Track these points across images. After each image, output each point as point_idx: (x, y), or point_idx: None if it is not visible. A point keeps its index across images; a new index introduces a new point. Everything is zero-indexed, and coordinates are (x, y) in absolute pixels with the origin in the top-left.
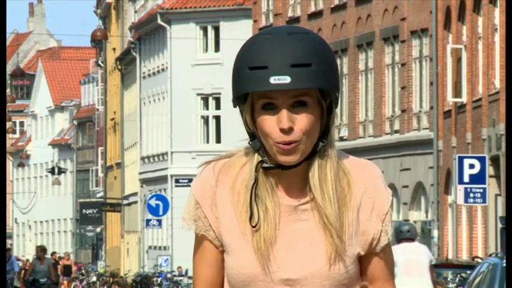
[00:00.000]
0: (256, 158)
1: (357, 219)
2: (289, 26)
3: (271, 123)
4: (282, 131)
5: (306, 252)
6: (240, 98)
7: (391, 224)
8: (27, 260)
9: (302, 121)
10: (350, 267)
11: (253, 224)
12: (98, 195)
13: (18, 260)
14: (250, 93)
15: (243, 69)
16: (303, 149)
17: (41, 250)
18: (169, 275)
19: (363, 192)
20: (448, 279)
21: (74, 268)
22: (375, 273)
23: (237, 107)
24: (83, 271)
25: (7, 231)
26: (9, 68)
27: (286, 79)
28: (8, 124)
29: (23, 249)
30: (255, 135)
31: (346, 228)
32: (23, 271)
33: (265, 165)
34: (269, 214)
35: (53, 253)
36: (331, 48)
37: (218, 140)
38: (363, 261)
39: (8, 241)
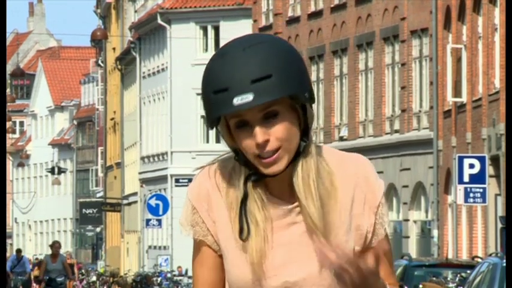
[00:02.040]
0: (243, 171)
1: (349, 216)
2: (244, 39)
3: (247, 140)
4: (258, 146)
5: (301, 254)
6: (213, 121)
7: (386, 215)
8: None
9: (277, 131)
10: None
11: (243, 238)
12: (98, 195)
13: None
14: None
15: (208, 94)
16: (286, 157)
17: (59, 246)
18: (169, 275)
19: (355, 186)
20: (448, 278)
21: (75, 268)
22: None
23: (214, 128)
24: (83, 271)
25: (7, 231)
26: (9, 67)
27: (249, 97)
28: (8, 124)
29: (22, 249)
30: (237, 151)
31: (332, 227)
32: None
33: (253, 177)
34: (259, 227)
35: None
36: (293, 50)
37: (218, 140)
38: None
39: (8, 241)
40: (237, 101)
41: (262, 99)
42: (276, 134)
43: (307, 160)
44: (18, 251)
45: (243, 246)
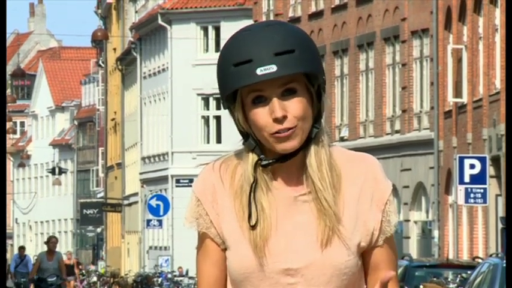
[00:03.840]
0: (252, 157)
1: (356, 211)
2: (266, 20)
3: (263, 116)
4: (276, 120)
5: (306, 242)
6: (229, 98)
7: (394, 214)
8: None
9: (294, 107)
10: (351, 257)
11: (252, 224)
12: (99, 195)
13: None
14: (239, 90)
15: (227, 68)
16: (300, 134)
17: (56, 241)
18: (169, 275)
19: (362, 184)
20: (449, 279)
21: (76, 269)
22: (378, 264)
23: (228, 108)
24: (84, 271)
25: (7, 231)
26: (10, 68)
27: (273, 68)
28: (9, 124)
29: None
30: (248, 134)
31: (341, 215)
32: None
33: (264, 162)
34: (265, 213)
35: None
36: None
37: (219, 140)
38: (366, 255)
39: (9, 241)
40: (261, 71)
41: (286, 71)
42: (294, 112)
43: (319, 149)
44: (21, 248)
45: (248, 233)
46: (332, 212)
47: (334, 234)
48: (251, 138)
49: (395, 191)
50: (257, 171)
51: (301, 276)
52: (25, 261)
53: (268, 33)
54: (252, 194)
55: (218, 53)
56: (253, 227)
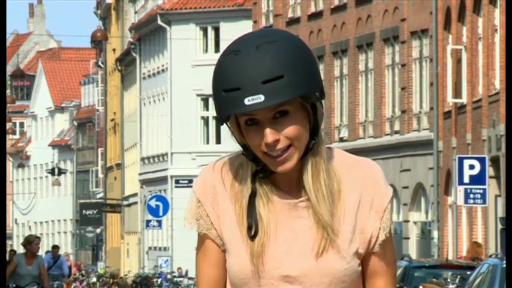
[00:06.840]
0: (251, 165)
1: (355, 217)
2: (258, 35)
3: (257, 138)
4: (268, 145)
5: (305, 249)
6: (223, 119)
7: (390, 220)
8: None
9: (287, 130)
10: (349, 265)
11: (251, 235)
12: (98, 196)
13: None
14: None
15: (219, 92)
16: (296, 154)
17: (39, 243)
18: (169, 276)
19: (362, 190)
20: (448, 279)
21: (73, 269)
22: (375, 270)
23: (224, 124)
24: (83, 272)
25: (7, 232)
26: (9, 68)
27: (260, 98)
28: (8, 125)
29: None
30: (246, 146)
31: (339, 224)
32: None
33: (261, 174)
34: (263, 223)
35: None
36: (306, 48)
37: (218, 141)
38: (364, 261)
39: (8, 242)
40: (248, 101)
41: (273, 101)
42: (286, 134)
43: (317, 159)
44: (55, 247)
45: (246, 240)
46: (328, 225)
47: (330, 244)
48: (250, 150)
49: (394, 191)
50: (256, 179)
51: (300, 283)
52: (59, 262)
53: (257, 58)
54: (251, 203)
55: (218, 54)
56: (252, 238)
